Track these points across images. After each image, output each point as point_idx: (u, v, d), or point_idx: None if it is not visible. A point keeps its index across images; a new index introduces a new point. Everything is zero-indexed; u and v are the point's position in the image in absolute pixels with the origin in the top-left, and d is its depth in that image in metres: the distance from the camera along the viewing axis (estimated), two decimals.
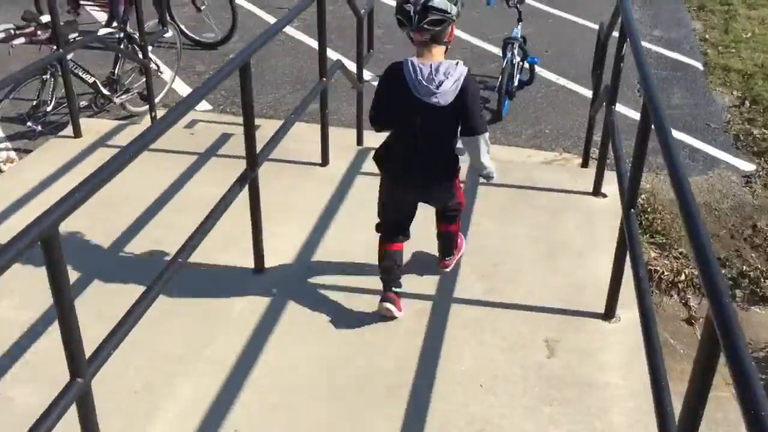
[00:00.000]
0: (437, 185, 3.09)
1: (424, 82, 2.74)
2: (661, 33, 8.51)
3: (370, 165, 3.50)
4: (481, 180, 3.21)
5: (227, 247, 3.60)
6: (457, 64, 2.79)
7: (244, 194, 3.20)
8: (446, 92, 2.74)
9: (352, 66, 5.41)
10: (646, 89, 2.61)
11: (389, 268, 3.15)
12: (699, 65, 7.63)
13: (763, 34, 8.17)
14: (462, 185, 3.34)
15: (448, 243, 3.41)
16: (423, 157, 2.92)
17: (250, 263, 3.50)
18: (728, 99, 6.90)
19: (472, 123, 2.84)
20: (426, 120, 2.83)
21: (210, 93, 4.75)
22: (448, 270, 3.48)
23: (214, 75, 2.86)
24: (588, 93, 6.88)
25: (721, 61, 7.61)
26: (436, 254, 3.50)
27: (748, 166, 5.78)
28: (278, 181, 4.18)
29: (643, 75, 2.73)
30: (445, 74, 2.74)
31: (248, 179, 3.21)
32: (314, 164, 4.52)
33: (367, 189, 3.71)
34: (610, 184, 4.02)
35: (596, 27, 4.99)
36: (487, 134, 2.92)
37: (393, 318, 3.16)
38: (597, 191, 4.24)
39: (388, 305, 3.12)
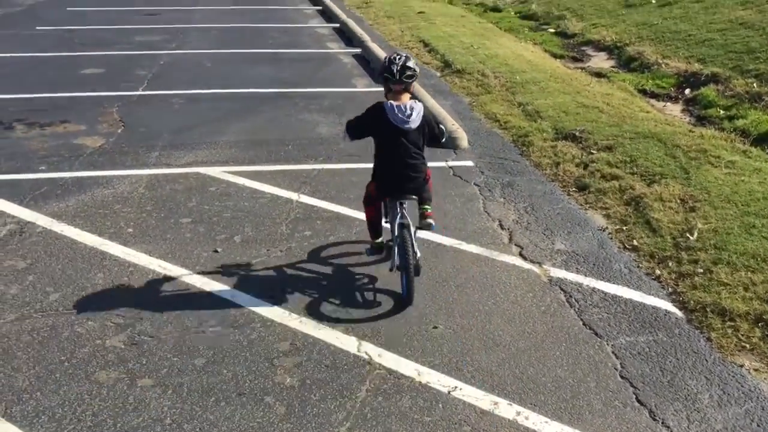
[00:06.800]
0: (419, 183, 4.56)
1: (399, 116, 4.40)
2: (564, 245, 5.41)
3: None
4: None
5: None
6: (416, 102, 4.48)
7: None
8: (414, 120, 4.42)
9: None
10: None
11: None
12: (669, 307, 4.55)
13: (713, 230, 5.41)
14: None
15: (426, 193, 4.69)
16: (405, 164, 4.49)
17: None
18: None
19: (436, 134, 4.62)
20: (402, 139, 4.46)
21: None
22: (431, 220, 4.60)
23: None
24: None
25: (704, 296, 4.59)
26: None
27: None
28: None
29: None
30: (410, 109, 4.43)
31: None
32: None
33: None
34: None
35: None
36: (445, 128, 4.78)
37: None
38: None
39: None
